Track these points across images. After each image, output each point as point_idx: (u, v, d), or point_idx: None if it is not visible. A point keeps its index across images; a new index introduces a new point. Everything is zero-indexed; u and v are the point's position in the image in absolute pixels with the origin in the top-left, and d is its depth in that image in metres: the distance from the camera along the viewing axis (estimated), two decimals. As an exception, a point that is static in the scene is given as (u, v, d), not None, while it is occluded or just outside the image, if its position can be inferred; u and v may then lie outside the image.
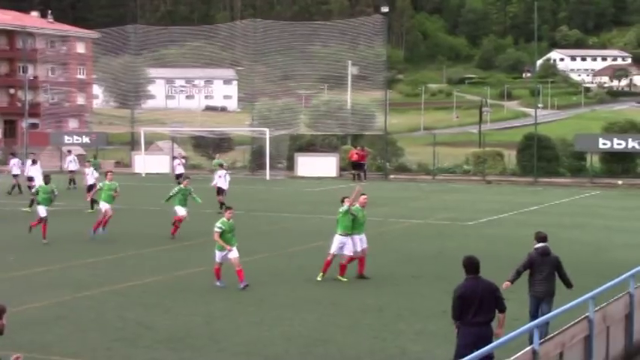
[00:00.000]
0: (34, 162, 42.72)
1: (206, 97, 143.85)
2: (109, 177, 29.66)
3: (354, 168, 56.86)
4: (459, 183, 54.22)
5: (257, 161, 62.23)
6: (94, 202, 34.44)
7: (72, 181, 47.53)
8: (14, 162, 46.21)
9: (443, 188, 50.40)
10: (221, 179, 36.84)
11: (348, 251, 21.00)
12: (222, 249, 19.96)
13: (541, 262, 14.68)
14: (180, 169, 47.69)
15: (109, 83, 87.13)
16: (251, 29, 70.08)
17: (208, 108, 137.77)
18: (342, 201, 21.39)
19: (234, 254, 19.96)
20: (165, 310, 18.17)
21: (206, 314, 17.78)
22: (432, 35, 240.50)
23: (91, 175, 37.79)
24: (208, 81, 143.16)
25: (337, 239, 21.10)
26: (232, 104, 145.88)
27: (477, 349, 9.86)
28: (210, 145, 65.95)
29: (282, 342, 15.62)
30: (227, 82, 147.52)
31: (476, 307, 11.65)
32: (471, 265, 12.06)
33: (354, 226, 21.09)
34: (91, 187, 36.37)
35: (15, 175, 45.07)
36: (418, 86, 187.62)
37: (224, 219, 20.24)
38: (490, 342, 10.80)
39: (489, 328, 11.68)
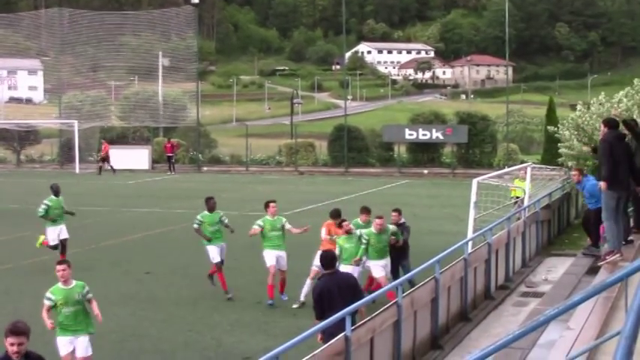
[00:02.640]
0: None
1: (9, 88, 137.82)
2: (211, 205, 19.27)
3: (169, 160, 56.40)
4: (272, 174, 54.62)
5: (66, 154, 60.49)
6: None
7: None
8: None
9: (256, 179, 50.63)
10: None
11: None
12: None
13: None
14: None
15: None
16: (57, 18, 67.84)
17: (12, 99, 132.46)
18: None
19: None
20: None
21: (14, 314, 17.13)
22: (244, 27, 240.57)
23: None
24: (12, 71, 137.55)
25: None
26: (38, 96, 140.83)
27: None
28: (16, 138, 63.55)
29: (94, 338, 15.27)
30: (32, 72, 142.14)
31: (337, 303, 11.48)
32: (326, 260, 12.33)
33: (370, 252, 16.96)
34: None
35: None
36: (230, 78, 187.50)
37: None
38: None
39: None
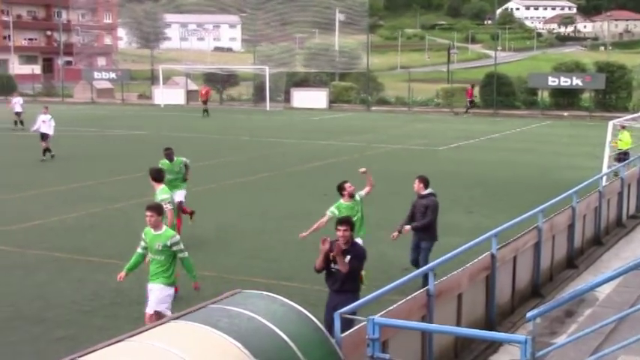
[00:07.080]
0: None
1: (214, 39, 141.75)
2: (349, 192, 12.89)
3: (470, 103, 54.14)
4: (430, 114, 54.03)
5: (259, 94, 61.81)
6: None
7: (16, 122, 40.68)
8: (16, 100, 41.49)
9: (417, 118, 50.25)
10: (45, 124, 29.66)
11: None
12: None
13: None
14: (18, 108, 40.94)
15: (132, 26, 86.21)
16: (253, -19, 69.44)
17: (217, 49, 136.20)
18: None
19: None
20: (188, 219, 18.16)
21: (217, 225, 17.84)
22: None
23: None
24: (216, 25, 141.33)
25: None
26: (237, 45, 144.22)
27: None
28: (219, 80, 65.48)
29: (281, 246, 15.77)
30: (232, 26, 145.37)
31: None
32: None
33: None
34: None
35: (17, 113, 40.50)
36: (396, 31, 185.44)
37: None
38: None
39: None
